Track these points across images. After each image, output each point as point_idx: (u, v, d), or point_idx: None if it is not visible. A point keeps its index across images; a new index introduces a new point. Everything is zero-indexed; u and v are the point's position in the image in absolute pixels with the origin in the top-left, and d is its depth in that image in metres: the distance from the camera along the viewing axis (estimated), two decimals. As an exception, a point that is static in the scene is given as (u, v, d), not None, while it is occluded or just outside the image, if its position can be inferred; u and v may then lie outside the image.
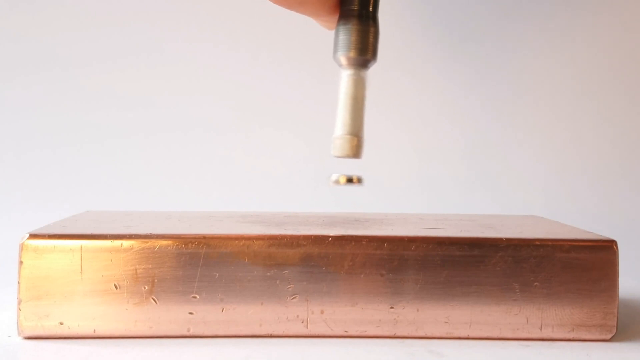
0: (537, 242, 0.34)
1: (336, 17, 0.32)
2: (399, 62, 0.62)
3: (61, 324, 0.33)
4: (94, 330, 0.33)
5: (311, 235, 0.34)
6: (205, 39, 0.62)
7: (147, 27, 0.61)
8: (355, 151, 0.31)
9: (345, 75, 0.32)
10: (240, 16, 0.62)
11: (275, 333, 0.34)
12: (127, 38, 0.61)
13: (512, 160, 0.63)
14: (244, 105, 0.62)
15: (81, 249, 0.33)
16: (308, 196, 0.60)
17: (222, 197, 0.60)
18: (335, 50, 0.32)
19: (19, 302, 0.33)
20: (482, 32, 0.62)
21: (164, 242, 0.33)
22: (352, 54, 0.31)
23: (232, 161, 0.62)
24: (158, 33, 0.61)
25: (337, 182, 0.32)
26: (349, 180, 0.32)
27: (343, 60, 0.32)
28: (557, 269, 0.34)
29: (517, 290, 0.34)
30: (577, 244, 0.34)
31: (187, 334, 0.33)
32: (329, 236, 0.34)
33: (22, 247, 0.33)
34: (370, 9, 0.32)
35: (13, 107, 0.61)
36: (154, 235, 0.33)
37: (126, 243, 0.33)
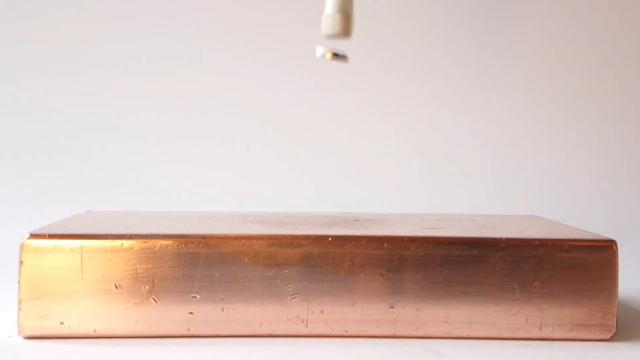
0: (537, 242, 0.34)
1: None
2: (400, 63, 0.62)
3: (61, 323, 0.33)
4: (95, 330, 0.33)
5: (311, 235, 0.34)
6: (212, 45, 0.62)
7: (155, 30, 0.61)
8: (345, 29, 0.31)
9: None
10: (241, 21, 0.62)
11: (275, 333, 0.34)
12: (132, 41, 0.61)
13: (512, 160, 0.63)
14: (245, 107, 0.62)
15: (81, 248, 0.33)
16: (308, 196, 0.60)
17: (223, 197, 0.61)
18: None
19: (20, 302, 0.33)
20: (482, 31, 0.62)
21: (164, 242, 0.33)
22: None
23: (232, 161, 0.62)
24: (164, 36, 0.61)
25: (323, 56, 0.31)
26: (335, 56, 0.31)
27: None
28: (556, 269, 0.34)
29: (517, 290, 0.34)
30: (576, 244, 0.34)
31: (188, 333, 0.34)
32: (329, 236, 0.34)
33: (22, 247, 0.33)
34: None
35: (14, 108, 0.61)
36: (154, 235, 0.33)
37: (126, 243, 0.33)
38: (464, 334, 0.34)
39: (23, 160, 0.61)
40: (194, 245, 0.33)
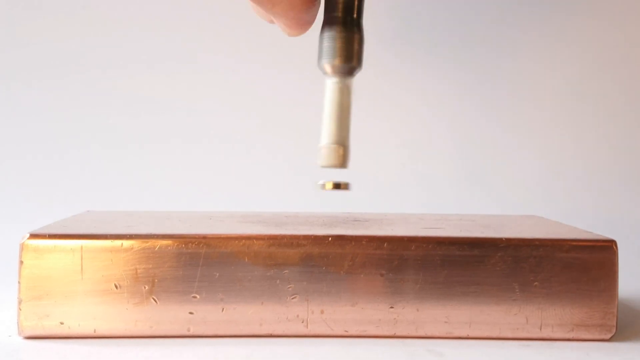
0: (537, 242, 0.34)
1: (305, 17, 0.31)
2: (397, 64, 0.62)
3: (61, 323, 0.33)
4: (95, 330, 0.33)
5: (311, 235, 0.34)
6: (211, 45, 0.62)
7: (155, 31, 0.61)
8: (342, 161, 0.31)
9: (331, 83, 0.31)
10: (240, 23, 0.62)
11: (275, 333, 0.34)
12: (133, 42, 0.61)
13: (511, 160, 0.63)
14: (245, 107, 0.62)
15: (81, 248, 0.33)
16: (308, 196, 0.60)
17: (223, 197, 0.60)
18: (320, 58, 0.31)
19: (20, 302, 0.33)
20: (480, 33, 0.62)
21: (164, 242, 0.33)
22: (337, 61, 0.31)
23: (232, 161, 0.62)
24: (164, 37, 0.61)
25: (323, 187, 0.31)
26: (336, 186, 0.31)
27: (328, 68, 0.31)
28: (556, 269, 0.34)
29: (517, 290, 0.34)
30: (576, 243, 0.34)
31: (188, 333, 0.33)
32: (329, 236, 0.34)
33: (22, 247, 0.33)
34: (355, 15, 0.31)
35: (14, 109, 0.61)
36: (154, 235, 0.33)
37: (126, 243, 0.33)
38: (464, 334, 0.34)
39: (23, 160, 0.61)
40: (194, 245, 0.33)
